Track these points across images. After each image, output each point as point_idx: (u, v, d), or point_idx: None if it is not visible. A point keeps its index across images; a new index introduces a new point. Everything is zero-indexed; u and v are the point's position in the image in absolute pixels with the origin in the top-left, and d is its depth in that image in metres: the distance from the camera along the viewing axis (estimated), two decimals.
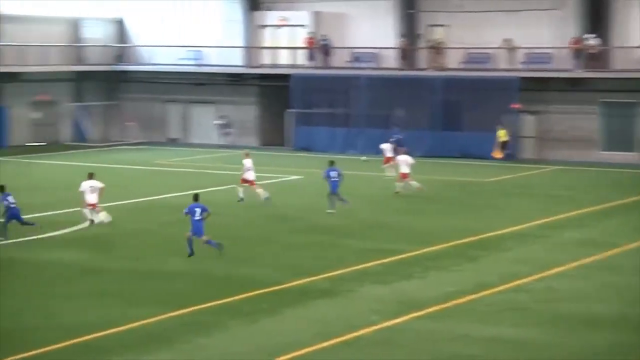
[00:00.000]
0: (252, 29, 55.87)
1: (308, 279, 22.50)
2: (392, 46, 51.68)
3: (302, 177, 41.03)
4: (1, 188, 27.73)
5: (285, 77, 52.34)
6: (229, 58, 55.13)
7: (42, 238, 27.44)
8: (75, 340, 17.63)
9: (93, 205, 29.34)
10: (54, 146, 53.73)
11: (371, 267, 23.99)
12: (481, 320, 19.32)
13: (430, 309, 19.95)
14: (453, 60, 50.29)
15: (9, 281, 22.49)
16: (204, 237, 24.88)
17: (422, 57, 51.88)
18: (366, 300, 20.80)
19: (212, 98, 56.18)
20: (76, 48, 57.14)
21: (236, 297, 20.75)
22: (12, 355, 16.72)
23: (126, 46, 59.30)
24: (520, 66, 48.49)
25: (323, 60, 53.00)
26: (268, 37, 55.64)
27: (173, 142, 56.60)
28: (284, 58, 55.04)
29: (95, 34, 58.18)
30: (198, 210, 24.86)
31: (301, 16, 54.22)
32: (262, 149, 51.12)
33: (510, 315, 19.73)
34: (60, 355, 17.00)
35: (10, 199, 27.28)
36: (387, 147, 40.52)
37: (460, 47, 49.86)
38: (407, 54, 51.56)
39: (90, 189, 29.33)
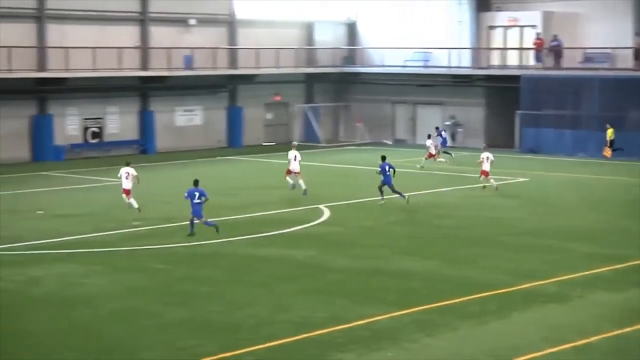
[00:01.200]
0: (481, 30, 55.45)
1: (536, 283, 22.10)
2: (628, 46, 49.90)
3: (529, 179, 40.36)
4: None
5: (513, 79, 51.63)
6: (456, 59, 55.00)
7: (272, 235, 28.34)
8: (304, 335, 18.04)
9: (126, 191, 31.40)
10: (285, 146, 55.29)
11: (601, 272, 23.25)
12: None
13: None
14: None
15: (240, 276, 23.27)
16: (203, 219, 27.31)
17: None
18: (596, 307, 20.22)
19: (439, 99, 56.21)
20: (308, 50, 58.66)
21: (464, 298, 20.67)
22: (245, 348, 17.30)
23: (356, 48, 60.30)
24: None
25: (553, 61, 51.88)
26: (497, 38, 55.08)
27: (400, 142, 57.03)
28: (512, 59, 54.31)
29: (327, 36, 59.50)
30: (197, 194, 27.17)
31: (531, 16, 53.32)
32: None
33: None
34: (290, 349, 17.43)
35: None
36: (430, 144, 43.80)
37: None
38: None
39: (125, 175, 31.51)
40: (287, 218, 31.00)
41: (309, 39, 59.10)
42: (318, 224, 30.19)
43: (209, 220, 27.78)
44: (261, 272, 23.63)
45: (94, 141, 50.59)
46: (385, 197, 33.48)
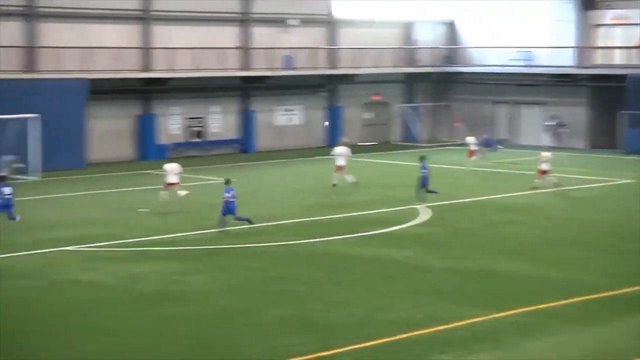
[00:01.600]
0: (585, 29, 54.44)
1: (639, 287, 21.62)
2: None
3: (634, 181, 39.44)
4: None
5: (618, 78, 50.55)
6: (559, 58, 54.12)
7: (371, 235, 28.32)
8: (402, 336, 17.94)
9: (174, 184, 33.06)
10: (384, 146, 55.30)
11: None
12: None
13: None
14: None
15: (338, 275, 23.27)
16: (236, 216, 28.36)
17: None
18: None
19: (541, 99, 55.41)
20: (408, 50, 58.49)
21: (566, 301, 20.30)
22: (343, 347, 17.26)
23: (456, 48, 59.88)
24: None
25: None
26: (601, 37, 53.99)
27: (501, 142, 56.32)
28: (618, 58, 53.18)
29: (427, 36, 59.24)
30: (231, 192, 28.23)
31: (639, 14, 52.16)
32: (591, 152, 49.73)
33: None
34: (388, 349, 17.35)
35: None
36: (471, 141, 43.95)
37: None
38: None
39: (171, 171, 32.82)
40: (385, 218, 30.93)
41: (409, 38, 58.90)
42: (417, 224, 30.05)
43: (241, 216, 28.62)
44: (359, 272, 23.61)
45: (195, 140, 51.34)
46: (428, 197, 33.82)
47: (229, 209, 28.28)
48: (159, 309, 20.10)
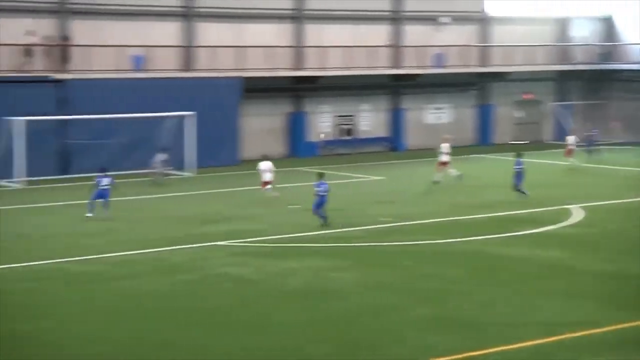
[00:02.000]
0: None
1: None
2: None
3: None
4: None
5: None
6: None
7: (520, 234, 27.89)
8: (553, 338, 17.62)
9: (267, 183, 33.89)
10: (535, 145, 54.33)
11: None
12: None
13: None
14: None
15: (486, 275, 22.99)
16: (321, 211, 28.85)
17: None
18: None
19: None
20: (560, 47, 57.32)
21: None
22: (492, 347, 17.05)
23: (613, 44, 58.29)
24: None
25: None
26: None
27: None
28: None
29: (582, 32, 57.91)
30: (322, 187, 28.75)
31: None
32: None
33: None
34: (539, 351, 17.06)
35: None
36: (571, 140, 44.33)
37: None
38: None
39: (266, 169, 33.70)
40: (535, 218, 30.44)
41: (563, 35, 57.71)
42: (570, 225, 29.45)
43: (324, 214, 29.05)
44: (508, 272, 23.30)
45: (345, 138, 51.70)
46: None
47: (319, 202, 28.82)
48: (308, 305, 20.27)
